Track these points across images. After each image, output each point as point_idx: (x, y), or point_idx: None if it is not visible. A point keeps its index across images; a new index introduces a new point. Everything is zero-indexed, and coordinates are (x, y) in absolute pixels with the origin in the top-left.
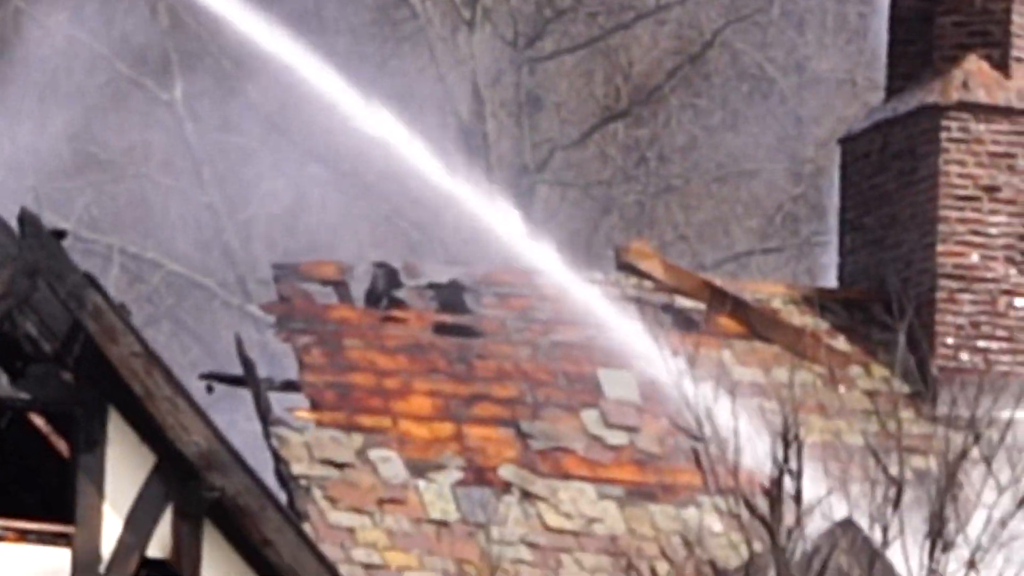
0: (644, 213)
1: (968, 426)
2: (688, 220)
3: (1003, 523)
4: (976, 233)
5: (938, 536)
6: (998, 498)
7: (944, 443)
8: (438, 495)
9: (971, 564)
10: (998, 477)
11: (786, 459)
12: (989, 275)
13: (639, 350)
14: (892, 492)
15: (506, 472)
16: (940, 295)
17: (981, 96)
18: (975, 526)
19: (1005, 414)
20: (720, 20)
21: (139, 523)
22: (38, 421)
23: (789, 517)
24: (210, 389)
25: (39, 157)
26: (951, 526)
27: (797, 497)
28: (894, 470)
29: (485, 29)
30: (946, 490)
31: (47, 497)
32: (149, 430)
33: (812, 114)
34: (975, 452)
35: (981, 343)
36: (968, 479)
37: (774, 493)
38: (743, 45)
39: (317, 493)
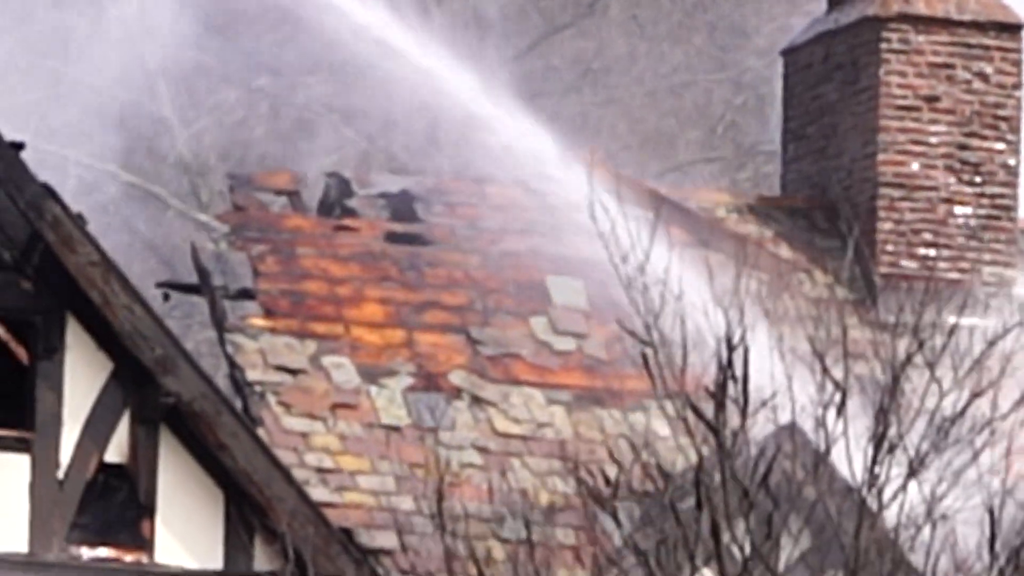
0: (589, 124)
1: (911, 332)
2: (632, 130)
3: (943, 429)
4: (916, 143)
5: (881, 440)
6: (939, 404)
7: (887, 349)
8: (390, 400)
9: (911, 470)
10: (940, 383)
11: (730, 363)
12: (929, 183)
13: (589, 257)
14: (837, 397)
15: (456, 378)
16: (881, 203)
17: (921, 8)
18: (917, 432)
19: (946, 320)
20: None
21: (97, 428)
22: None
23: (735, 421)
24: (166, 297)
25: None
26: (893, 431)
27: (742, 401)
28: (838, 375)
29: None
30: (890, 395)
31: (6, 403)
32: (107, 337)
33: (754, 25)
34: (917, 358)
35: (922, 250)
36: (911, 385)
37: (719, 396)
38: None
39: (271, 399)
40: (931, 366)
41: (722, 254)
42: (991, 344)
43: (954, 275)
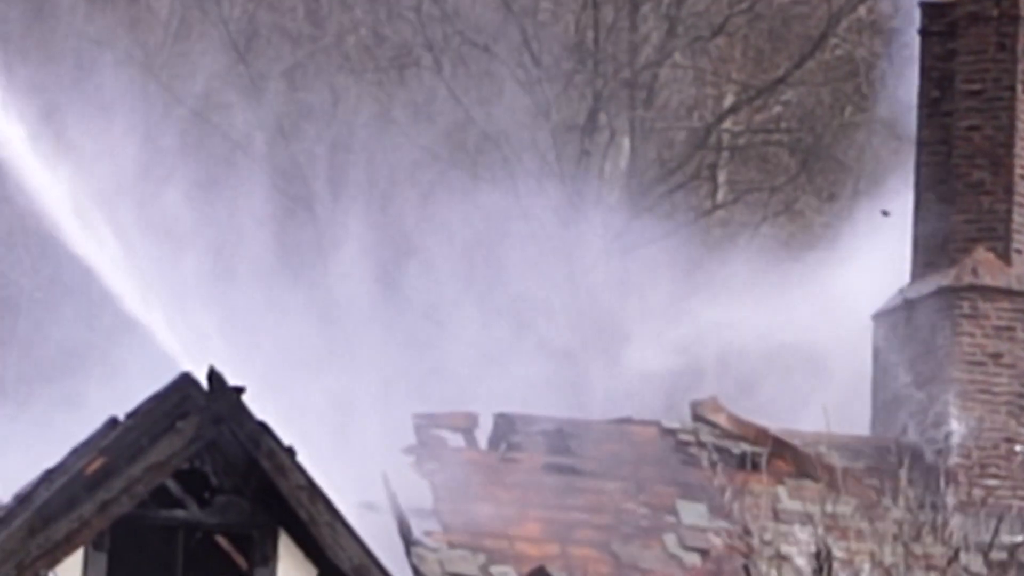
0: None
1: (979, 550)
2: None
3: None
4: (983, 392)
5: None
6: None
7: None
8: None
9: None
10: None
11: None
12: (995, 428)
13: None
14: None
15: None
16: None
17: (987, 280)
18: None
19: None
20: None
21: None
22: (222, 541)
23: None
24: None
25: None
26: None
27: None
28: None
29: None
30: None
31: None
32: (313, 549)
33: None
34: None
35: (987, 481)
36: None
37: None
38: None
39: None
40: None
41: (822, 483)
42: None
43: (1015, 502)
